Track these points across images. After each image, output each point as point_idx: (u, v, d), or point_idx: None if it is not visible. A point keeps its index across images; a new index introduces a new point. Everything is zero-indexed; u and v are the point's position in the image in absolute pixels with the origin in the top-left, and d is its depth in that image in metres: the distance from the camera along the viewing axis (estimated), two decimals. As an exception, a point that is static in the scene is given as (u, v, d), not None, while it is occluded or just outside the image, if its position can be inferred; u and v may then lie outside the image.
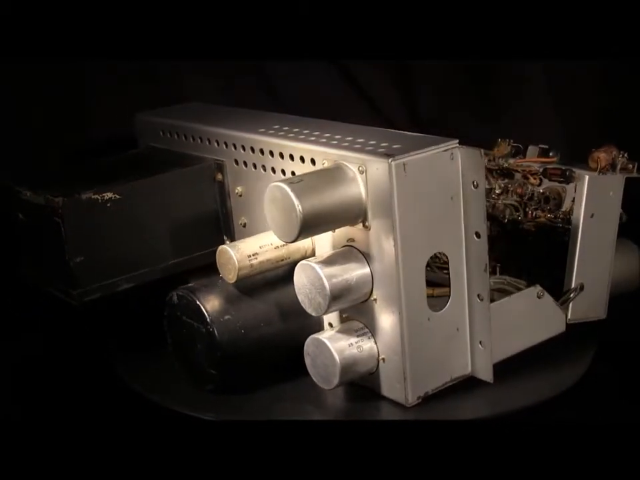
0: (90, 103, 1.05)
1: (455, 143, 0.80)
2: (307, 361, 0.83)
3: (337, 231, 0.82)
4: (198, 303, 0.83)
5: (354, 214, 0.79)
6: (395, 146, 0.80)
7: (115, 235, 0.90)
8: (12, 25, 0.88)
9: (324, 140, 0.85)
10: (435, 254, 0.81)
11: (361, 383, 0.85)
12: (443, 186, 0.80)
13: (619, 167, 0.97)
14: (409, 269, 0.79)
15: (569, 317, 0.94)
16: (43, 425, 0.83)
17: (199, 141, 0.97)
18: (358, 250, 0.81)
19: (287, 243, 0.79)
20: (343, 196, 0.78)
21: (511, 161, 1.04)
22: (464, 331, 0.84)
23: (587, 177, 0.93)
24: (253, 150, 0.91)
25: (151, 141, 1.05)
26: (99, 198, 0.88)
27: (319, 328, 0.86)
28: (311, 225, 0.77)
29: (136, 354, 0.94)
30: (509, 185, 1.03)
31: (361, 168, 0.78)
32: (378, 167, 0.77)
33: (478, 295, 0.83)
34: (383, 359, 0.82)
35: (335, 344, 0.81)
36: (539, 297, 0.90)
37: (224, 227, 0.96)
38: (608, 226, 0.95)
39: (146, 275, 0.92)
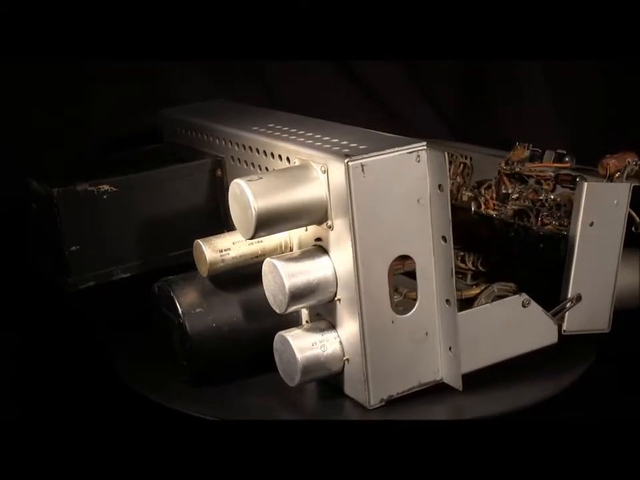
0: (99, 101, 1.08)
1: (422, 144, 0.79)
2: (276, 357, 0.84)
3: (309, 229, 0.83)
4: (172, 294, 0.85)
5: (316, 213, 0.79)
6: (362, 146, 0.79)
7: (111, 226, 0.93)
8: (13, 25, 0.92)
9: (298, 139, 0.85)
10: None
11: (332, 382, 0.85)
12: (408, 188, 0.79)
13: (625, 174, 0.93)
14: (370, 270, 0.79)
15: (564, 327, 0.91)
16: (43, 425, 0.84)
17: (205, 137, 0.99)
18: (324, 249, 0.81)
19: (246, 239, 0.80)
20: (304, 195, 0.79)
21: (526, 165, 1.01)
22: (434, 336, 0.83)
23: (585, 184, 0.90)
24: (244, 147, 0.92)
25: (171, 137, 1.08)
26: (95, 190, 0.91)
27: (296, 325, 0.86)
28: (267, 223, 0.78)
29: (136, 354, 0.95)
30: (523, 191, 1.01)
31: (322, 168, 0.79)
32: (337, 167, 0.77)
33: (447, 301, 0.81)
34: (347, 360, 0.82)
35: (298, 342, 0.82)
36: (524, 306, 0.87)
37: (225, 221, 0.97)
38: (611, 235, 0.91)
39: (142, 267, 0.94)
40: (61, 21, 0.92)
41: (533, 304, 0.88)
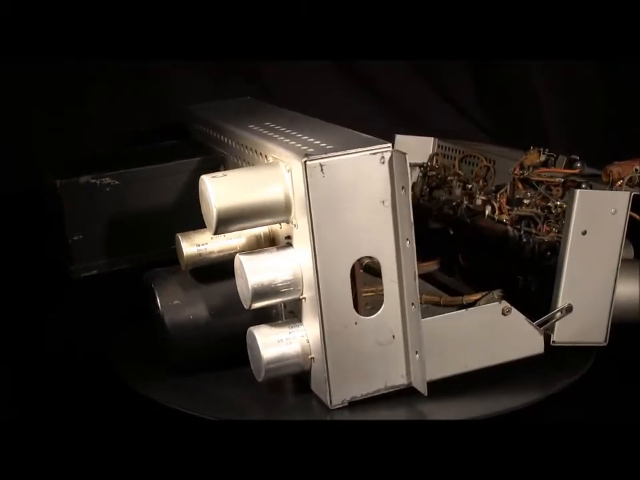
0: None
1: (386, 146, 0.78)
2: (248, 351, 0.85)
3: (283, 226, 0.84)
4: (153, 286, 0.88)
5: (280, 212, 0.80)
6: (329, 146, 0.79)
7: (113, 217, 0.96)
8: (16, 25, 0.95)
9: (279, 137, 0.86)
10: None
11: (305, 379, 0.85)
12: (372, 189, 0.78)
13: (624, 182, 0.89)
14: (330, 271, 0.79)
15: (554, 338, 0.88)
16: (43, 426, 0.83)
17: (215, 135, 1.01)
18: (293, 248, 0.82)
19: (211, 235, 0.82)
20: (266, 193, 0.80)
21: (535, 171, 0.99)
22: (401, 339, 0.82)
23: (576, 192, 0.87)
24: (239, 145, 0.94)
25: (194, 133, 1.10)
26: (97, 182, 0.95)
27: (274, 320, 0.87)
28: (228, 220, 0.79)
29: (136, 354, 0.95)
30: (533, 197, 0.98)
31: (287, 167, 0.79)
32: (298, 166, 0.77)
33: (412, 304, 0.81)
34: (313, 359, 0.82)
35: (264, 338, 0.83)
36: (504, 314, 0.86)
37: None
38: (608, 245, 0.88)
39: (142, 259, 0.97)
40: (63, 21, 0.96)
41: (515, 312, 0.86)
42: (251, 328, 0.84)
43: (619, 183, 0.90)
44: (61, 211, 0.94)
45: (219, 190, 0.78)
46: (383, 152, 0.78)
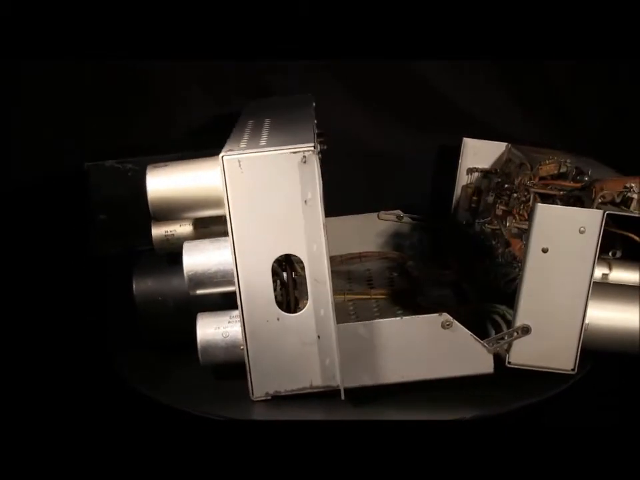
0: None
1: (308, 146, 0.79)
2: (201, 336, 0.89)
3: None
4: (135, 267, 0.94)
5: (214, 204, 0.83)
6: (261, 143, 0.81)
7: (134, 200, 1.03)
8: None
9: (244, 132, 0.88)
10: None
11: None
12: (293, 188, 0.79)
13: (596, 200, 0.82)
14: (250, 265, 0.81)
15: (509, 359, 0.84)
16: (43, 426, 0.83)
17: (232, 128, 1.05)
18: (229, 239, 0.84)
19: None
20: (198, 185, 0.83)
21: (539, 183, 0.93)
22: (327, 340, 0.82)
23: (537, 206, 0.81)
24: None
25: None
26: (121, 166, 1.03)
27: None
28: (161, 208, 0.84)
29: (135, 353, 0.96)
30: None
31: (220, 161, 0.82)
32: (220, 161, 0.80)
33: (325, 305, 0.81)
34: (242, 349, 0.84)
35: (203, 324, 0.86)
36: (444, 327, 0.83)
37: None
38: (575, 266, 0.82)
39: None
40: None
41: (457, 326, 0.83)
42: (200, 313, 0.87)
43: (600, 200, 0.83)
44: (88, 190, 1.03)
45: (155, 179, 0.83)
46: (304, 151, 0.78)
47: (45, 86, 1.10)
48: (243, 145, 0.81)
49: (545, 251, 0.81)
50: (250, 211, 0.79)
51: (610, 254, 0.90)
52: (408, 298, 1.00)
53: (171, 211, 0.84)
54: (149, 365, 0.94)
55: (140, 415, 0.85)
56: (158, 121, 1.14)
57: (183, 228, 0.91)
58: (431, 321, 0.83)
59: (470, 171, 1.15)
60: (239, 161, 0.79)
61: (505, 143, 1.14)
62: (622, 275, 0.90)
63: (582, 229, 0.81)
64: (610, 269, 0.90)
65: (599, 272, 0.90)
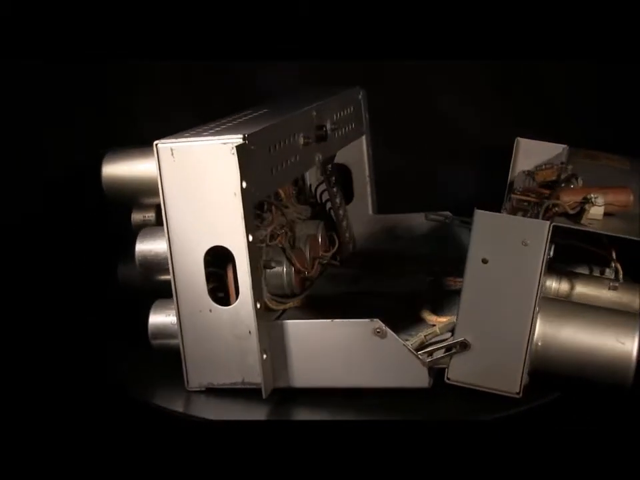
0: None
1: (237, 137, 0.78)
2: (169, 319, 0.89)
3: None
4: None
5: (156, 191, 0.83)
6: (204, 133, 0.81)
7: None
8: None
9: (216, 124, 0.88)
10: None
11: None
12: (223, 180, 0.78)
13: (542, 210, 0.75)
14: (183, 254, 0.81)
15: (448, 375, 0.79)
16: (43, 426, 0.83)
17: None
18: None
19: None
20: (145, 172, 0.84)
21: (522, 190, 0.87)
22: (255, 336, 0.81)
23: (476, 212, 0.76)
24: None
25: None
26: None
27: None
28: (115, 192, 0.86)
29: (135, 354, 0.94)
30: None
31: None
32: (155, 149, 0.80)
33: (257, 301, 0.79)
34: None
35: (156, 309, 0.87)
36: (375, 334, 0.79)
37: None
38: (518, 281, 0.75)
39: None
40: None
41: (391, 336, 0.79)
42: (159, 299, 0.88)
43: (554, 209, 0.76)
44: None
45: (108, 163, 0.86)
46: (233, 143, 0.77)
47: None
48: (187, 134, 0.81)
49: (484, 261, 0.75)
50: (183, 200, 0.79)
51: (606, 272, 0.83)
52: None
53: (123, 194, 0.86)
54: (147, 366, 0.93)
55: (138, 418, 0.84)
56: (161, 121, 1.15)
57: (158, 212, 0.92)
58: (361, 325, 0.79)
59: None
60: (172, 149, 0.79)
61: (563, 145, 1.06)
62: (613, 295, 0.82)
63: (525, 240, 0.74)
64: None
65: (591, 291, 0.83)
